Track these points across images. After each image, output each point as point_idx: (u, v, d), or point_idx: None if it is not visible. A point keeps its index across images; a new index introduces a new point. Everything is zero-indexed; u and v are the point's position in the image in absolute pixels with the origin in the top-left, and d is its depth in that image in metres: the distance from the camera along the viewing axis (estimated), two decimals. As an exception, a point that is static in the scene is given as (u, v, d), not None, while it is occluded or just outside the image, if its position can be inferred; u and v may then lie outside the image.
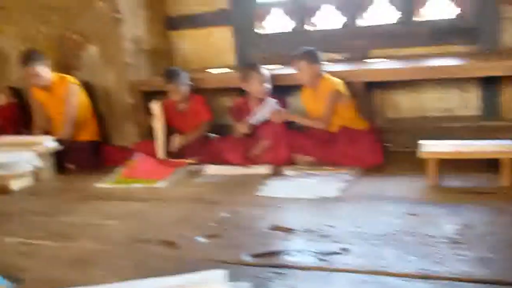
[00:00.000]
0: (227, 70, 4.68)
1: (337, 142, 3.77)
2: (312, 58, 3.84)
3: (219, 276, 2.01)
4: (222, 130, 4.44)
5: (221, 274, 2.02)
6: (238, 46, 4.86)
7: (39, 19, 4.91)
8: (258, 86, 4.03)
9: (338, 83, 3.84)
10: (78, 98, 4.53)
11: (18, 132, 4.73)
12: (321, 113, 3.88)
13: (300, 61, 3.86)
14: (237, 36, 4.84)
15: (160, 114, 4.27)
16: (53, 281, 2.40)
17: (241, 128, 4.06)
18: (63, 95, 4.49)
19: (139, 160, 4.10)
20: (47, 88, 4.53)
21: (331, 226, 2.70)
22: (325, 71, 3.92)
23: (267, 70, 4.09)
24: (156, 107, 4.28)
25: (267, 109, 3.95)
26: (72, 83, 4.52)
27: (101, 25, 4.63)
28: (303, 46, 3.95)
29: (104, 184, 3.88)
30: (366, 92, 4.11)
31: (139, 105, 4.67)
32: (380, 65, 4.07)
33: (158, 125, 4.26)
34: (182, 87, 4.30)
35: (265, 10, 4.88)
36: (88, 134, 4.59)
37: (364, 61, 4.32)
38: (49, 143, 4.26)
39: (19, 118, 4.97)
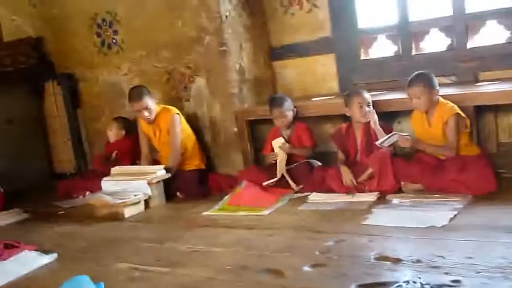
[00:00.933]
0: (330, 97, 4.65)
1: (447, 169, 3.60)
2: (430, 82, 3.71)
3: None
4: (325, 157, 4.41)
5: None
6: (341, 73, 4.83)
7: (152, 55, 5.18)
8: (360, 111, 3.96)
9: (456, 107, 3.68)
10: (180, 127, 4.69)
11: (133, 163, 4.97)
12: (433, 139, 3.74)
13: (417, 86, 3.72)
14: (340, 63, 4.82)
15: (282, 149, 4.29)
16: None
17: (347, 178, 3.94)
18: (166, 126, 4.68)
19: (244, 188, 4.15)
20: (152, 120, 4.74)
21: (441, 257, 2.57)
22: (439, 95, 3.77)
23: (369, 95, 4.03)
24: (278, 142, 4.31)
25: (392, 137, 3.80)
26: (174, 113, 4.69)
27: (209, 58, 4.80)
28: (417, 71, 3.80)
29: (211, 211, 3.96)
30: (476, 116, 3.92)
31: (244, 134, 4.75)
32: (490, 87, 3.87)
33: (280, 158, 4.28)
34: (286, 113, 4.33)
35: (368, 36, 4.83)
36: (195, 163, 4.74)
37: (474, 84, 4.13)
38: (159, 172, 4.43)
39: (133, 149, 5.21)
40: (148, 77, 5.22)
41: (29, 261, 3.33)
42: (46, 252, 3.45)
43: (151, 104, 4.66)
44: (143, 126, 4.87)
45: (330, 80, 4.89)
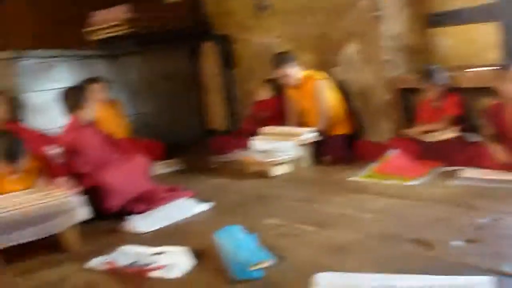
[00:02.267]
0: (489, 68, 4.37)
1: None
2: None
3: (485, 282, 1.88)
4: (477, 132, 4.18)
5: (488, 280, 1.89)
6: (508, 43, 4.50)
7: (305, 19, 5.19)
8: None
9: None
10: (326, 92, 4.68)
11: (282, 123, 5.08)
12: None
13: None
14: (506, 32, 4.49)
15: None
16: (310, 262, 2.51)
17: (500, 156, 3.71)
18: (311, 92, 4.70)
19: (393, 156, 4.08)
20: (297, 86, 4.79)
21: None
22: None
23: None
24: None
25: None
26: (318, 79, 4.69)
27: (362, 23, 4.70)
28: None
29: (357, 177, 3.95)
30: None
31: (395, 102, 4.64)
32: None
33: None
34: (438, 87, 4.16)
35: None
36: (343, 128, 4.73)
37: None
38: (309, 134, 4.48)
39: (281, 111, 5.32)
40: (299, 41, 5.25)
41: (188, 207, 3.57)
42: (202, 200, 3.68)
43: (291, 71, 4.71)
44: (290, 92, 4.94)
45: (491, 51, 4.58)
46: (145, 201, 3.64)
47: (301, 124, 4.91)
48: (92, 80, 5.31)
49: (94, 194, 3.38)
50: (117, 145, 4.02)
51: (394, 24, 4.66)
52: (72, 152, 3.69)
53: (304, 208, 3.40)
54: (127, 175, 3.70)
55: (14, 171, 3.15)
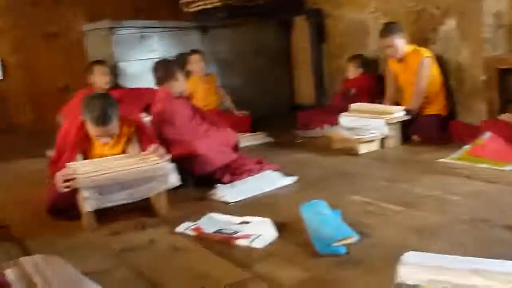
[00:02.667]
0: None
1: None
2: None
3: None
4: None
5: None
6: None
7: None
8: None
9: None
10: (429, 71, 4.54)
11: (371, 101, 4.99)
12: None
13: None
14: None
15: None
16: (395, 242, 2.48)
17: None
18: (415, 67, 4.56)
19: (488, 139, 3.90)
20: (401, 59, 4.66)
21: None
22: None
23: None
24: None
25: None
26: (425, 56, 4.54)
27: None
28: None
29: (448, 159, 3.81)
30: None
31: (492, 83, 4.42)
32: None
33: None
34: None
35: None
36: (436, 108, 4.58)
37: None
38: (399, 113, 4.38)
39: (373, 87, 5.25)
40: (395, 16, 5.10)
41: (273, 179, 3.61)
42: (287, 174, 3.71)
43: (398, 42, 4.58)
44: (391, 65, 4.82)
45: None
46: (233, 172, 3.71)
47: (396, 98, 4.82)
48: (190, 52, 5.46)
49: (183, 163, 3.47)
50: (206, 117, 4.10)
51: (496, 1, 4.42)
52: (162, 121, 3.81)
53: (391, 187, 3.35)
54: (216, 145, 3.78)
55: (108, 134, 3.24)
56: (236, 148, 3.98)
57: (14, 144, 5.62)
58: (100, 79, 4.94)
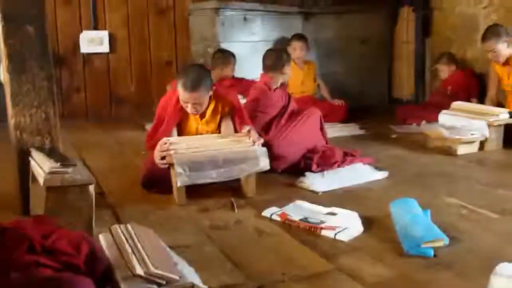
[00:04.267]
0: None
1: None
2: None
3: None
4: None
5: None
6: None
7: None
8: None
9: None
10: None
11: (468, 99, 4.78)
12: None
13: None
14: None
15: None
16: (490, 250, 2.37)
17: None
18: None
19: None
20: (505, 63, 4.45)
21: None
22: None
23: None
24: None
25: None
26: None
27: None
28: None
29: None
30: None
31: None
32: None
33: None
34: None
35: None
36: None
37: None
38: (503, 115, 4.15)
39: (470, 85, 5.07)
40: (509, 12, 4.80)
41: (364, 173, 3.54)
42: (378, 168, 3.63)
43: (500, 47, 4.36)
44: (495, 66, 4.59)
45: None
46: (323, 161, 3.66)
47: (498, 102, 4.58)
48: (293, 37, 5.43)
49: (270, 150, 3.45)
50: (297, 107, 4.07)
51: None
52: (253, 109, 3.84)
53: (488, 192, 3.18)
54: (301, 133, 3.78)
55: (195, 102, 3.22)
56: (324, 134, 3.97)
57: (120, 114, 5.88)
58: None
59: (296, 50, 5.36)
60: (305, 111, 3.97)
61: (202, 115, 3.39)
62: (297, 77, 5.39)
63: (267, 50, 4.15)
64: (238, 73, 5.20)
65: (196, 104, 3.23)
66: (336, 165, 3.64)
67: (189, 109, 3.25)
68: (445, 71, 5.27)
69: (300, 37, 5.44)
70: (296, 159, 3.69)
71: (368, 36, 6.15)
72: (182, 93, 3.19)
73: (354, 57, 6.09)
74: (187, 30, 5.91)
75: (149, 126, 3.95)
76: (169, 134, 3.30)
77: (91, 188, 2.52)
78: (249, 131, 3.28)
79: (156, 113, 3.48)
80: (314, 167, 3.59)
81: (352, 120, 5.20)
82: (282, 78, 4.01)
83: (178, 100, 3.31)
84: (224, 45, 5.33)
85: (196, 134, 3.39)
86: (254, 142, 3.18)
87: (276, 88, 3.99)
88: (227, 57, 5.09)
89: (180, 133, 3.41)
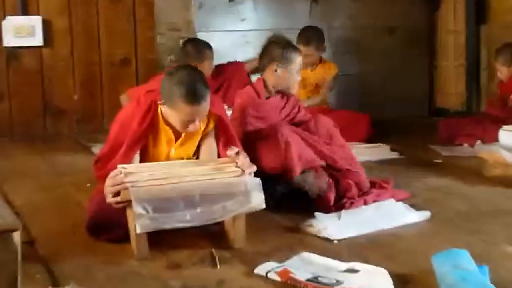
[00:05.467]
0: None
1: None
2: None
3: None
4: None
5: None
6: None
7: None
8: None
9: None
10: None
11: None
12: None
13: None
14: None
15: None
16: None
17: None
18: None
19: None
20: None
21: None
22: None
23: None
24: None
25: None
26: None
27: None
28: None
29: None
30: None
31: None
32: None
33: None
34: None
35: None
36: None
37: None
38: None
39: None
40: None
41: (396, 213, 3.54)
42: (416, 206, 3.63)
43: None
44: None
45: None
46: (339, 192, 3.68)
47: None
48: (301, 40, 5.44)
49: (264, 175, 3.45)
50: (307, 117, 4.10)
51: None
52: (240, 120, 3.86)
53: None
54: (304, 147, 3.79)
55: (201, 116, 3.27)
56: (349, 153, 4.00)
57: (57, 131, 5.88)
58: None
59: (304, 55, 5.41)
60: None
61: (177, 136, 3.39)
62: (308, 83, 5.46)
63: (266, 41, 4.16)
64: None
65: (201, 119, 3.31)
66: (359, 201, 3.66)
67: (192, 127, 3.28)
68: (504, 72, 5.28)
69: (307, 40, 5.44)
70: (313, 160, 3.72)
71: (398, 24, 6.24)
72: (185, 108, 3.19)
73: (380, 52, 6.17)
74: (151, 17, 5.93)
75: (98, 149, 3.94)
76: (129, 162, 3.29)
77: (16, 235, 2.50)
78: (236, 154, 3.27)
79: (110, 132, 3.47)
80: (326, 201, 3.60)
81: (379, 139, 5.22)
82: (282, 82, 4.03)
83: (144, 117, 3.33)
84: (201, 35, 5.37)
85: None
86: (243, 171, 3.17)
87: (269, 96, 4.02)
88: (201, 50, 5.12)
89: (144, 161, 3.40)
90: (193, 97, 3.18)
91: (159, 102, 3.30)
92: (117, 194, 3.05)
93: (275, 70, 3.99)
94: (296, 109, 4.11)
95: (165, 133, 3.39)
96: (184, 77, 3.23)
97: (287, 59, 4.01)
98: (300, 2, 5.85)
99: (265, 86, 4.03)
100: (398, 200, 3.71)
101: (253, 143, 3.76)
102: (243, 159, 3.25)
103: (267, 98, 4.04)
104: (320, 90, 5.58)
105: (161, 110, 3.33)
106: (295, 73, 4.04)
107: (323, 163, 3.79)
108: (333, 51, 5.97)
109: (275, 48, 4.04)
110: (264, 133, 3.80)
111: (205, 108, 3.26)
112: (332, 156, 3.84)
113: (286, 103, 4.10)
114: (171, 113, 3.26)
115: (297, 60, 4.04)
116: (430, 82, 6.42)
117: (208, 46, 5.14)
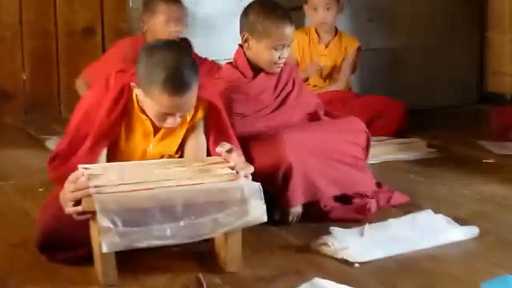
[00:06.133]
0: None
1: None
2: None
3: None
4: None
5: None
6: None
7: None
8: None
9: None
10: None
11: None
12: None
13: None
14: None
15: None
16: None
17: None
18: None
19: None
20: None
21: None
22: None
23: None
24: None
25: None
26: None
27: None
28: None
29: None
30: None
31: None
32: None
33: None
34: None
35: None
36: None
37: None
38: None
39: None
40: None
41: (436, 228, 3.55)
42: (459, 220, 3.64)
43: None
44: None
45: None
46: (360, 208, 3.69)
47: None
48: None
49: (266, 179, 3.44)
50: (320, 104, 4.09)
51: None
52: (228, 107, 3.85)
53: None
54: (322, 156, 3.80)
55: (184, 110, 3.25)
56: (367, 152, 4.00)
57: (1, 119, 5.86)
58: (166, 27, 5.09)
59: (317, 11, 5.38)
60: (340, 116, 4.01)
61: (156, 128, 3.38)
62: (316, 58, 5.44)
63: (247, 5, 4.11)
64: (213, 47, 5.23)
65: (185, 111, 3.28)
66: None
67: (171, 121, 3.25)
68: None
69: None
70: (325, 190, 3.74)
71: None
72: (163, 99, 3.15)
73: (416, 22, 6.15)
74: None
75: (53, 143, 3.94)
76: (94, 161, 3.28)
77: None
78: (229, 151, 3.26)
79: (70, 123, 3.46)
80: (344, 214, 3.62)
81: (415, 132, 5.25)
82: (256, 56, 4.00)
83: (114, 104, 3.31)
84: (188, 1, 5.36)
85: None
86: (237, 172, 3.17)
87: (259, 73, 4.02)
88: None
89: (113, 160, 3.40)
90: (174, 86, 3.12)
91: (132, 84, 3.26)
92: (78, 202, 3.04)
93: (245, 42, 3.99)
94: (290, 86, 4.10)
95: (141, 124, 3.37)
96: (167, 58, 3.17)
97: (260, 29, 3.94)
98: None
99: (248, 61, 4.01)
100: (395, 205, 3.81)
101: (245, 146, 3.72)
102: (237, 157, 3.24)
103: (254, 77, 4.01)
104: (339, 74, 5.55)
105: (136, 95, 3.31)
106: (272, 49, 3.93)
107: (337, 193, 3.81)
108: (354, 19, 5.97)
109: (250, 12, 4.01)
110: (260, 143, 3.77)
111: (190, 101, 3.22)
112: (357, 185, 3.88)
113: (278, 79, 4.09)
114: (146, 100, 3.23)
115: (278, 32, 3.93)
116: (479, 60, 6.42)
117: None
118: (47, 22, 5.99)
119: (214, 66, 4.68)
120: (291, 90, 4.07)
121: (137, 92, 3.25)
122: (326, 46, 5.50)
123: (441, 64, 6.20)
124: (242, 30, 3.99)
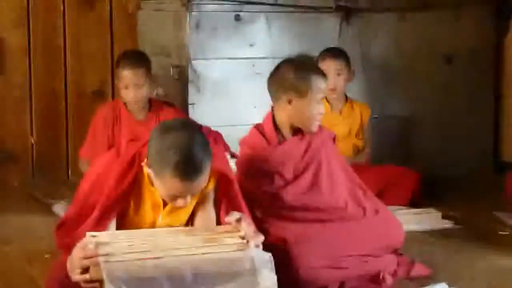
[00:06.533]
0: None
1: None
2: None
3: None
4: None
5: None
6: None
7: None
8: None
9: None
10: None
11: None
12: None
13: None
14: None
15: None
16: None
17: None
18: None
19: None
20: None
21: None
22: None
23: None
24: None
25: None
26: None
27: None
28: None
29: None
30: None
31: None
32: None
33: None
34: None
35: None
36: None
37: None
38: None
39: None
40: None
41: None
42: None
43: None
44: None
45: None
46: (374, 278, 3.70)
47: None
48: (328, 54, 5.45)
49: (279, 252, 3.44)
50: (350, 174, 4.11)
51: None
52: (248, 174, 3.88)
53: None
54: (343, 235, 3.82)
55: (194, 192, 3.23)
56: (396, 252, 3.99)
57: (6, 183, 5.86)
58: (126, 93, 5.08)
59: (328, 76, 5.40)
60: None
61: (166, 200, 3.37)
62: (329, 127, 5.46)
63: (273, 71, 4.07)
64: (225, 113, 5.25)
65: (197, 192, 3.27)
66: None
67: (182, 202, 3.23)
68: None
69: (336, 54, 5.47)
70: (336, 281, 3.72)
71: (456, 50, 6.22)
72: (173, 182, 3.14)
73: (432, 88, 6.14)
74: (134, 37, 5.97)
75: (60, 207, 3.94)
76: (103, 229, 3.28)
77: None
78: (238, 220, 3.25)
79: (79, 191, 3.47)
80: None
81: (430, 202, 5.25)
82: (300, 115, 3.99)
83: (124, 174, 3.32)
84: (198, 62, 5.37)
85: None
86: (247, 241, 3.17)
87: (283, 140, 4.01)
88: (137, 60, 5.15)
89: (122, 229, 3.39)
90: (186, 172, 3.10)
91: (142, 163, 3.25)
92: (86, 270, 3.04)
93: (289, 103, 3.92)
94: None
95: (151, 196, 3.37)
96: (179, 141, 3.14)
97: (303, 85, 3.91)
98: (326, 22, 5.79)
99: (275, 126, 4.00)
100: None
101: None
102: (246, 225, 3.23)
103: (280, 143, 4.00)
104: (365, 145, 5.60)
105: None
106: (315, 102, 3.93)
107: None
108: (370, 85, 5.96)
109: (285, 72, 3.96)
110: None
111: (202, 183, 3.21)
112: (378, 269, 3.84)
113: (308, 145, 4.02)
114: (156, 181, 3.21)
115: (318, 83, 3.94)
116: (496, 128, 6.40)
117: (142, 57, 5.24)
118: (57, 83, 5.98)
119: (218, 135, 4.70)
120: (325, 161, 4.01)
121: (148, 171, 3.22)
122: (341, 113, 5.50)
123: (457, 131, 6.17)
124: (284, 93, 3.91)
